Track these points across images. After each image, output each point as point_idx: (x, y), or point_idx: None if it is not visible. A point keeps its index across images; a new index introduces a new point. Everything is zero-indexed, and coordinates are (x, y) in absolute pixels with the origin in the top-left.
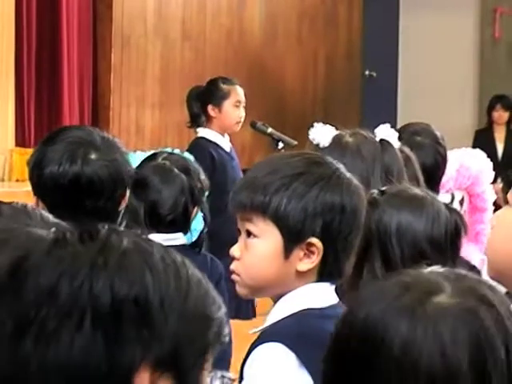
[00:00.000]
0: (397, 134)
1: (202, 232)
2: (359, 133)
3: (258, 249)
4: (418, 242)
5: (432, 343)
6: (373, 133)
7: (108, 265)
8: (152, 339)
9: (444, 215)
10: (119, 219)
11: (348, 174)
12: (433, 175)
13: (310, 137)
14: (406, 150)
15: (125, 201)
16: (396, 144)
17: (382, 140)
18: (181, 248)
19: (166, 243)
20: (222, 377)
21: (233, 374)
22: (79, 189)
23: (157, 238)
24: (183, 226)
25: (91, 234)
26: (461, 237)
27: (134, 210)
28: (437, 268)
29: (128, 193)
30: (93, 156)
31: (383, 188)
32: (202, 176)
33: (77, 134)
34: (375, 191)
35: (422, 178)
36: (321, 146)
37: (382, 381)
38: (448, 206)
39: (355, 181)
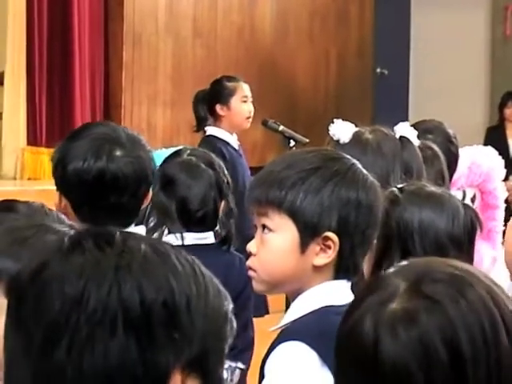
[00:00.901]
0: (416, 132)
1: (229, 229)
2: (379, 130)
3: (274, 243)
4: (439, 239)
5: (383, 348)
6: (392, 130)
7: (132, 269)
8: (182, 342)
9: (462, 213)
10: (146, 217)
11: (364, 171)
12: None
13: (331, 133)
14: (435, 147)
15: (147, 199)
16: (415, 142)
17: (401, 137)
18: (210, 247)
19: (196, 242)
20: (229, 366)
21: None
22: (103, 185)
23: (188, 236)
24: (213, 222)
25: (107, 239)
26: (476, 233)
27: (163, 207)
28: (406, 265)
29: (151, 191)
30: (118, 153)
31: (401, 185)
32: (226, 170)
33: (101, 131)
34: (394, 188)
35: (447, 177)
36: (341, 142)
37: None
38: (463, 203)
39: (371, 177)
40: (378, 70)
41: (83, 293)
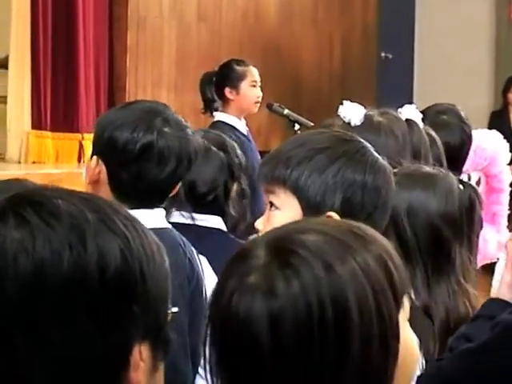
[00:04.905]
0: (421, 115)
1: (243, 210)
2: (388, 112)
3: (278, 220)
4: (431, 220)
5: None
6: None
7: (86, 246)
8: (140, 314)
9: (457, 191)
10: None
11: (375, 153)
12: (458, 154)
13: (341, 115)
14: (432, 132)
15: (175, 187)
16: (420, 125)
17: (407, 120)
18: (217, 232)
19: (202, 223)
20: None
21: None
22: (147, 158)
23: (196, 217)
24: (223, 205)
25: (50, 211)
26: (475, 211)
27: None
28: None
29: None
30: (167, 129)
31: (395, 170)
32: (239, 151)
33: (152, 105)
34: None
35: (445, 162)
36: (352, 124)
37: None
38: (462, 181)
39: (382, 160)
40: (383, 55)
41: (40, 274)
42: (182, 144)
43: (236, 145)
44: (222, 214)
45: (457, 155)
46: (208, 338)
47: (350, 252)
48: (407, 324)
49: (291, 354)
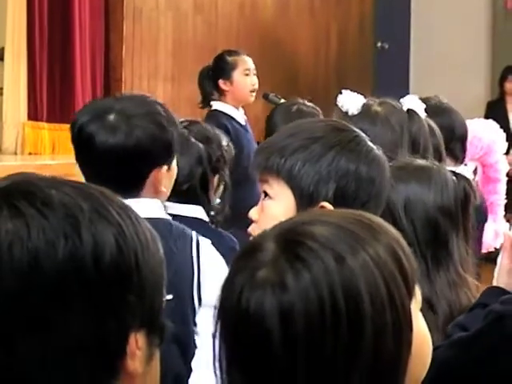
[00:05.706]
0: (423, 105)
1: (223, 203)
2: (388, 102)
3: (271, 210)
4: (428, 213)
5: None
6: (399, 102)
7: (81, 235)
8: (136, 303)
9: (451, 183)
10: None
11: (370, 143)
12: (464, 138)
13: (339, 104)
14: (432, 123)
15: (156, 178)
16: (422, 115)
17: (409, 110)
18: (199, 222)
19: (184, 213)
20: None
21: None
22: (80, 141)
23: (175, 206)
24: (202, 196)
25: (43, 201)
26: (470, 202)
27: None
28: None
29: (164, 170)
30: (111, 117)
31: (390, 163)
32: (224, 142)
33: (124, 96)
34: None
35: (444, 152)
36: (349, 113)
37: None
38: (455, 173)
39: (377, 151)
40: (379, 45)
41: (35, 265)
42: (125, 136)
43: (222, 137)
44: (198, 204)
45: (461, 136)
46: (218, 334)
47: (360, 242)
48: (420, 313)
49: (303, 348)
